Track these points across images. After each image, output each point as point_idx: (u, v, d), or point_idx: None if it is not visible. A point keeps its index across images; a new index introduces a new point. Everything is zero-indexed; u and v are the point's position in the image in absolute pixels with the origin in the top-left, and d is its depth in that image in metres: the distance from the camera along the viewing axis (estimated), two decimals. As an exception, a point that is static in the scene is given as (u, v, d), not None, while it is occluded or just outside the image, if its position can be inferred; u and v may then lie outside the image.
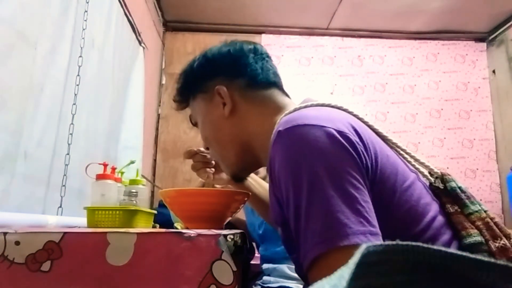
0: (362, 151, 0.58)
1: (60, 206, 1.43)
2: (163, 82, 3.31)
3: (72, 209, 1.45)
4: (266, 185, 1.05)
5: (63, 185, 1.45)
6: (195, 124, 0.93)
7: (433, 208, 0.64)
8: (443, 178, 0.68)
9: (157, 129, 3.23)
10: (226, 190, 0.93)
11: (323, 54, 3.44)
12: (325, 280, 0.22)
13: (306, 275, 0.56)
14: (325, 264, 0.52)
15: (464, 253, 0.24)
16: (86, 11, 1.67)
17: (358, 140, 0.59)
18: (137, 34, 2.51)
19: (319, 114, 0.62)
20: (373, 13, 3.19)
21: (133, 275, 0.60)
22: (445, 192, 0.67)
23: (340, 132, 0.58)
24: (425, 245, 0.23)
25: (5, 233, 0.59)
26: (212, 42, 3.20)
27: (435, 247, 0.23)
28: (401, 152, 0.71)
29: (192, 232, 0.63)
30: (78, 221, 1.33)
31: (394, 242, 0.23)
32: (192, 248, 0.62)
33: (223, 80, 0.83)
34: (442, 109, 3.43)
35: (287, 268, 1.58)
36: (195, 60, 0.88)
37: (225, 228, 0.90)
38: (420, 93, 3.44)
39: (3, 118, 1.14)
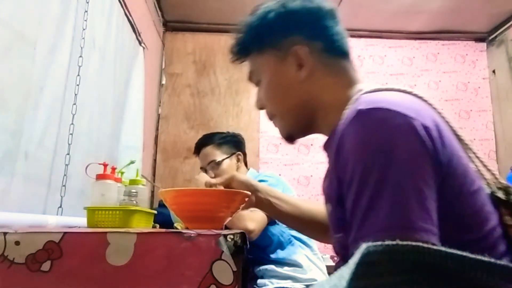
0: (440, 148, 0.57)
1: (60, 206, 1.43)
2: (163, 82, 3.31)
3: (72, 209, 1.45)
4: (287, 198, 1.05)
5: (63, 185, 1.45)
6: (256, 83, 0.85)
7: (494, 217, 0.63)
8: (506, 189, 0.67)
9: (157, 129, 3.23)
10: (226, 190, 0.93)
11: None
12: (325, 280, 0.22)
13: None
14: None
15: (464, 253, 0.24)
16: (86, 11, 1.67)
17: (438, 136, 0.58)
18: (137, 34, 2.51)
19: (404, 102, 0.61)
20: (373, 13, 3.19)
21: (133, 275, 0.60)
22: (506, 204, 0.66)
23: (424, 126, 0.57)
24: (425, 245, 0.23)
25: (5, 233, 0.59)
26: (212, 42, 3.21)
27: (435, 247, 0.23)
28: (471, 154, 0.70)
29: (192, 232, 0.63)
30: (78, 221, 1.33)
31: (394, 242, 0.23)
32: (192, 248, 0.62)
33: (302, 39, 0.77)
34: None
35: (276, 267, 1.59)
36: (270, 10, 0.80)
37: (225, 229, 0.90)
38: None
39: (3, 118, 1.14)
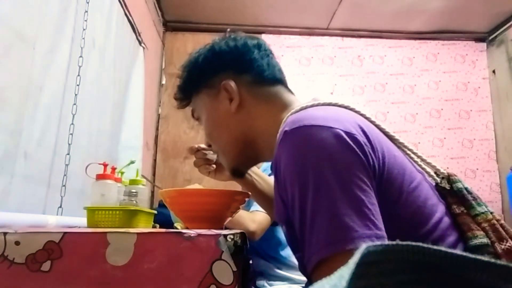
0: (369, 152, 0.58)
1: (60, 206, 1.43)
2: (163, 82, 3.31)
3: (72, 209, 1.45)
4: (269, 180, 1.05)
5: (63, 185, 1.45)
6: (197, 119, 0.91)
7: (440, 209, 0.64)
8: (449, 178, 0.68)
9: (157, 129, 3.23)
10: (226, 190, 0.93)
11: (323, 54, 3.44)
12: (325, 280, 0.22)
13: (310, 277, 0.56)
14: (330, 267, 0.51)
15: (464, 253, 0.24)
16: (86, 11, 1.67)
17: (366, 140, 0.58)
18: (137, 34, 2.51)
19: (326, 114, 0.62)
20: (373, 13, 3.19)
21: (133, 275, 0.60)
22: (452, 193, 0.66)
23: (347, 133, 0.57)
24: (425, 245, 0.23)
25: (5, 233, 0.59)
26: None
27: (435, 247, 0.23)
28: (408, 152, 0.71)
29: (192, 232, 0.63)
30: (78, 221, 1.33)
31: (394, 242, 0.23)
32: (192, 248, 0.62)
33: (229, 75, 0.82)
34: (442, 109, 3.43)
35: (275, 268, 1.59)
36: (200, 55, 0.86)
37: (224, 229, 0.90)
38: (420, 93, 3.44)
39: (2, 118, 1.14)
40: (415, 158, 0.70)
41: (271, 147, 0.73)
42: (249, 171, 1.00)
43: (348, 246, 0.51)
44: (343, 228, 0.52)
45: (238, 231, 0.73)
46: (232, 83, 0.80)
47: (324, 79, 3.40)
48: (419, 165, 0.70)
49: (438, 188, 0.68)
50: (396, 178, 0.61)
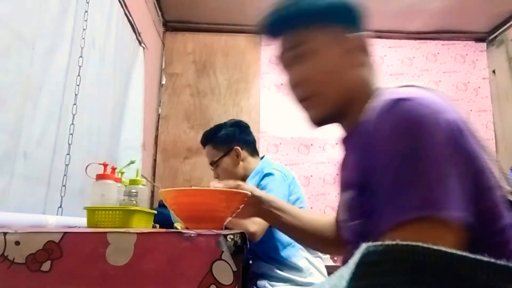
0: (462, 142, 0.60)
1: (60, 206, 1.43)
2: (163, 82, 3.31)
3: (72, 209, 1.45)
4: (291, 209, 1.04)
5: (63, 185, 1.45)
6: (300, 57, 0.80)
7: (508, 217, 0.64)
8: None
9: (157, 129, 3.23)
10: (226, 190, 0.93)
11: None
12: (325, 280, 0.22)
13: (384, 235, 0.56)
14: (415, 231, 0.53)
15: (464, 253, 0.24)
16: (86, 11, 1.67)
17: (460, 131, 0.61)
18: (137, 34, 2.51)
19: (430, 97, 0.64)
20: (373, 13, 3.18)
21: (133, 275, 0.60)
22: None
23: (448, 120, 0.60)
24: (425, 245, 0.23)
25: (5, 233, 0.59)
26: (212, 42, 3.21)
27: (434, 246, 0.23)
28: (488, 157, 0.70)
29: (192, 232, 0.63)
30: (78, 221, 1.33)
31: (394, 242, 0.23)
32: (192, 248, 0.62)
33: (355, 29, 0.81)
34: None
35: (276, 269, 1.58)
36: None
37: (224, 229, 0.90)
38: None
39: (2, 118, 1.14)
40: (493, 165, 0.69)
41: (355, 114, 0.75)
42: (269, 207, 0.99)
43: (444, 212, 0.53)
44: (437, 196, 0.54)
45: (238, 231, 0.73)
46: (363, 39, 0.81)
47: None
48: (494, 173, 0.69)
49: (505, 199, 0.67)
50: (478, 172, 0.62)
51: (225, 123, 1.88)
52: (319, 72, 0.78)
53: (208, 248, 0.63)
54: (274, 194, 1.57)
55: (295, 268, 1.58)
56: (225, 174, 1.77)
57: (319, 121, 0.82)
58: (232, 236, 0.66)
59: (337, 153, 3.28)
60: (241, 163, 1.78)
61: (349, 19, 0.81)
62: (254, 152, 1.85)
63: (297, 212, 1.03)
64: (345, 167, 0.83)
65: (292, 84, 0.83)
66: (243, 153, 1.79)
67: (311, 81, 0.79)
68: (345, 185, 0.79)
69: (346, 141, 0.83)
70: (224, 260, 0.63)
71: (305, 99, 0.81)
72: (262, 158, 1.86)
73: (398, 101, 0.61)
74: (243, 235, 0.71)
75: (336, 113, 0.81)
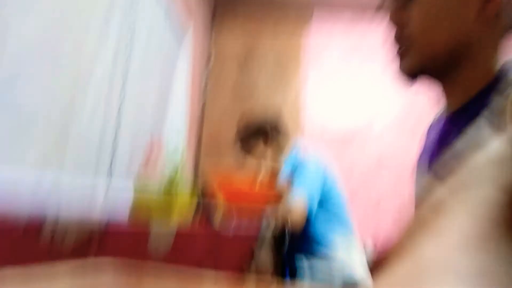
0: None
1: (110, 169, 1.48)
2: (211, 63, 3.31)
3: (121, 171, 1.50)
4: None
5: (112, 150, 1.50)
6: None
7: None
8: None
9: (201, 120, 3.26)
10: (269, 194, 0.92)
11: (371, 42, 3.31)
12: None
13: None
14: None
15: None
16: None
17: None
18: (185, 16, 2.52)
19: None
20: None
21: (173, 266, 0.61)
22: None
23: None
24: None
25: (56, 221, 0.61)
26: (261, 28, 3.14)
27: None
28: None
29: (231, 228, 0.63)
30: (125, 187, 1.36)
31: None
32: (230, 244, 0.62)
33: None
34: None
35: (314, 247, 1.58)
36: None
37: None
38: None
39: (59, 90, 1.18)
40: None
41: (470, 82, 0.65)
42: None
43: None
44: None
45: (277, 227, 0.72)
46: None
47: (373, 68, 3.27)
48: None
49: None
50: None
51: (259, 117, 1.91)
52: (435, 17, 0.68)
53: (247, 239, 0.62)
54: (308, 182, 1.58)
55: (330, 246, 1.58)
56: (260, 164, 1.79)
57: (413, 73, 0.70)
58: (272, 228, 0.66)
59: (383, 145, 3.15)
60: (275, 154, 1.80)
61: None
62: (285, 143, 1.87)
63: None
64: (438, 150, 0.68)
65: (395, 20, 0.72)
66: (277, 145, 1.81)
67: (418, 25, 0.69)
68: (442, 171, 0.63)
69: (458, 114, 0.67)
70: (263, 251, 0.63)
71: (402, 45, 0.71)
72: (294, 147, 1.86)
73: None
74: (282, 225, 0.71)
75: (437, 68, 0.68)
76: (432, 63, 0.68)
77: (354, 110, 3.14)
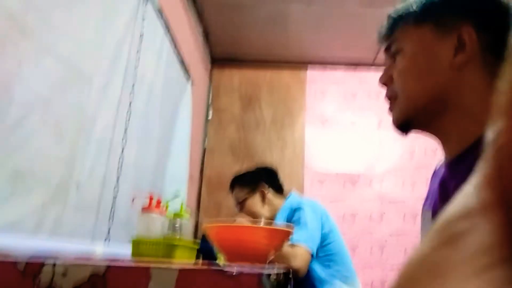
0: None
1: (108, 234, 1.46)
2: (209, 117, 3.38)
3: (119, 238, 1.48)
4: None
5: (111, 216, 1.49)
6: (393, 55, 0.76)
7: None
8: None
9: (202, 162, 3.29)
10: (269, 228, 0.91)
11: (369, 89, 3.39)
12: None
13: None
14: None
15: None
16: (138, 51, 1.76)
17: None
18: (186, 69, 2.60)
19: None
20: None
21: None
22: None
23: None
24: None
25: (54, 264, 0.60)
26: (258, 77, 3.25)
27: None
28: None
29: (234, 270, 0.62)
30: (124, 252, 1.35)
31: None
32: (233, 286, 0.61)
33: (470, 25, 0.67)
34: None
35: None
36: None
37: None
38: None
39: (58, 149, 1.20)
40: None
41: (461, 130, 0.66)
42: None
43: None
44: None
45: (282, 270, 0.71)
46: (474, 35, 0.66)
47: (370, 115, 3.33)
48: None
49: None
50: None
51: (253, 168, 1.97)
52: (411, 71, 0.73)
53: (250, 287, 0.61)
54: (307, 227, 1.55)
55: None
56: (250, 215, 1.79)
57: (403, 124, 0.75)
58: (275, 276, 0.64)
59: (384, 189, 3.16)
60: (266, 206, 1.80)
61: (475, 14, 0.69)
62: (280, 194, 1.86)
63: None
64: (444, 199, 0.68)
65: (382, 81, 0.80)
66: (269, 195, 1.82)
67: (399, 80, 0.75)
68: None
69: (455, 163, 0.68)
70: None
71: (390, 99, 0.78)
72: (288, 196, 1.86)
73: None
74: (286, 274, 0.69)
75: (423, 119, 0.73)
76: (415, 115, 0.73)
77: (355, 155, 3.16)
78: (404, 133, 0.77)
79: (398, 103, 0.75)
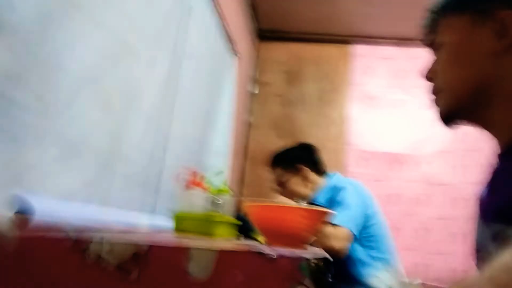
0: None
1: (154, 207, 1.51)
2: (256, 91, 3.37)
3: (164, 209, 1.52)
4: None
5: (157, 189, 1.54)
6: (435, 48, 0.77)
7: None
8: None
9: (246, 137, 3.30)
10: (310, 209, 0.90)
11: (419, 66, 3.22)
12: None
13: None
14: None
15: None
16: (187, 24, 1.76)
17: None
18: (232, 43, 2.59)
19: None
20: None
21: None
22: None
23: None
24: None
25: (101, 242, 0.63)
26: (304, 52, 3.19)
27: None
28: None
29: (274, 253, 0.62)
30: (168, 225, 1.40)
31: None
32: (272, 270, 0.61)
33: (511, 9, 0.65)
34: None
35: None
36: None
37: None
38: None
39: (109, 123, 1.23)
40: None
41: (503, 113, 0.64)
42: None
43: None
44: None
45: (321, 255, 0.70)
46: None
47: (420, 93, 3.18)
48: None
49: None
50: None
51: (293, 145, 1.92)
52: (453, 62, 0.72)
53: (289, 272, 0.61)
54: (351, 208, 1.53)
55: None
56: (293, 195, 1.77)
57: (447, 117, 0.74)
58: (315, 261, 0.64)
59: (434, 171, 3.04)
60: (307, 185, 1.77)
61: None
62: (321, 173, 1.83)
63: None
64: (500, 190, 0.65)
65: (427, 76, 0.80)
66: (311, 174, 1.79)
67: (442, 74, 0.75)
68: (497, 213, 0.61)
69: (507, 154, 0.65)
70: (305, 286, 0.61)
71: (435, 94, 0.77)
72: (332, 175, 1.82)
73: None
74: (326, 259, 0.68)
75: (466, 109, 0.70)
76: (460, 107, 0.71)
77: (403, 135, 3.06)
78: (451, 127, 0.76)
79: (442, 96, 0.74)
